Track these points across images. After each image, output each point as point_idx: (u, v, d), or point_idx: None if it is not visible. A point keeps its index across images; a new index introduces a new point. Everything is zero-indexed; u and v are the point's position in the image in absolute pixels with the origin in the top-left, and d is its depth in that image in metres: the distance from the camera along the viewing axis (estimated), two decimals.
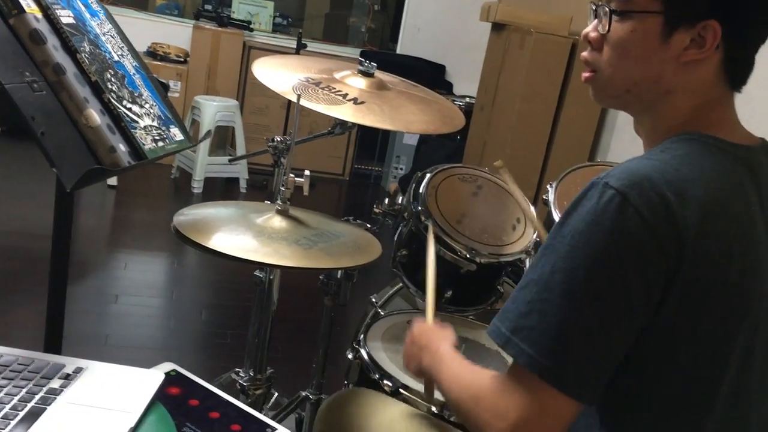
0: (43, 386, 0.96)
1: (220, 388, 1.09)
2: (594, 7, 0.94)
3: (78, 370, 1.02)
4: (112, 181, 4.22)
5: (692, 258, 0.79)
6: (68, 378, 0.99)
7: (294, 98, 1.42)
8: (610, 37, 0.91)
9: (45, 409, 0.92)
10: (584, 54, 0.96)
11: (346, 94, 1.56)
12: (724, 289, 0.82)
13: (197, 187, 4.47)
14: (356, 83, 1.63)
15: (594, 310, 0.79)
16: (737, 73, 0.90)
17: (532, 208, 1.71)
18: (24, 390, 0.95)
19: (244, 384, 1.72)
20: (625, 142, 3.49)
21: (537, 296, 0.81)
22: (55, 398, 0.94)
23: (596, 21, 0.94)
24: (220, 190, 4.68)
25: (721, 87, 0.90)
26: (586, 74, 0.96)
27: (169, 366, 1.12)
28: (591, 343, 0.79)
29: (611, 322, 0.79)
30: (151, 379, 1.04)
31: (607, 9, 0.90)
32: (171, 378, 1.09)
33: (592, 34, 0.94)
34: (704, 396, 0.84)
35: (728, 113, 0.92)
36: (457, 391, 0.93)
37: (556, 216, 1.71)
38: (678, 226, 0.78)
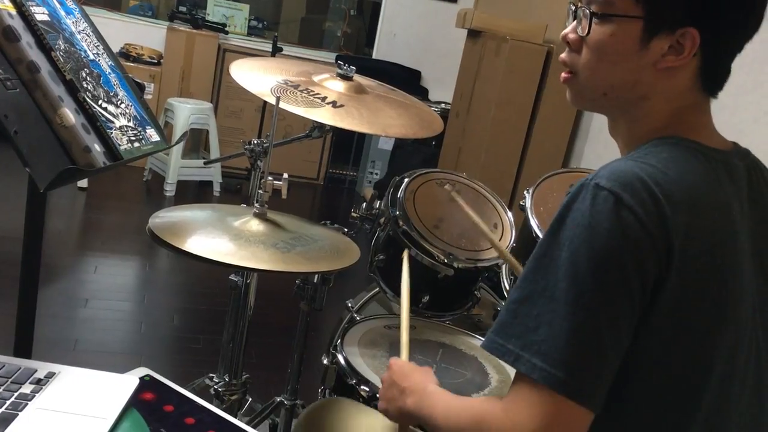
0: (14, 391, 0.94)
1: (193, 394, 1.07)
2: (573, 8, 0.94)
3: (50, 375, 0.99)
4: (83, 183, 4.16)
5: (680, 260, 0.79)
6: (40, 383, 0.97)
7: (272, 100, 1.41)
8: (589, 40, 0.91)
9: (16, 415, 0.89)
10: (562, 55, 0.96)
11: (325, 97, 1.55)
12: (708, 292, 0.82)
13: (170, 190, 4.42)
14: (335, 86, 1.62)
15: (603, 315, 0.78)
16: (714, 79, 0.91)
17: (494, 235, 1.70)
18: None
19: (219, 389, 1.70)
20: (598, 149, 3.53)
21: (544, 308, 0.79)
22: (27, 404, 0.92)
23: (575, 22, 0.93)
24: (193, 193, 4.63)
25: (697, 93, 0.91)
26: (564, 75, 0.96)
27: (143, 371, 1.10)
28: (603, 348, 0.78)
29: (619, 324, 0.79)
30: (126, 384, 1.02)
31: (587, 11, 0.90)
32: (145, 383, 1.07)
33: (571, 36, 0.94)
34: (689, 401, 0.84)
35: (705, 118, 0.93)
36: (456, 419, 0.89)
37: (533, 221, 1.72)
38: (668, 227, 0.79)
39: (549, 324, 0.79)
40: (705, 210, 0.83)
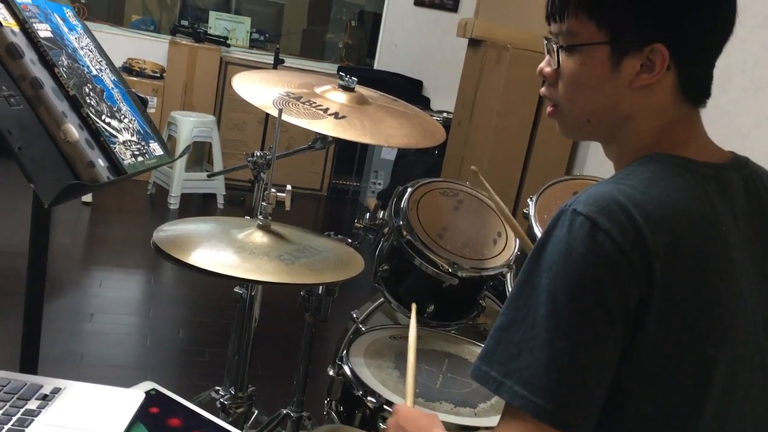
0: (21, 407, 0.94)
1: (199, 407, 1.07)
2: (545, 42, 0.94)
3: (56, 391, 0.99)
4: (87, 197, 4.17)
5: (664, 280, 0.78)
6: (46, 399, 0.97)
7: (274, 113, 1.41)
8: (562, 72, 0.91)
9: (23, 431, 0.89)
10: (542, 90, 0.97)
11: (327, 109, 1.55)
12: (701, 309, 0.81)
13: (174, 203, 4.43)
14: (337, 98, 1.63)
15: (583, 340, 0.77)
16: (695, 89, 0.90)
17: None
18: (0, 411, 0.92)
19: (225, 402, 1.70)
20: (601, 156, 3.50)
21: (525, 335, 0.79)
22: (33, 420, 0.92)
23: (548, 56, 0.94)
24: (197, 206, 4.64)
25: (681, 105, 0.90)
26: (549, 109, 0.97)
27: (149, 385, 1.09)
28: (584, 374, 0.78)
29: (600, 349, 0.78)
30: (132, 398, 1.02)
31: (554, 45, 0.91)
32: (151, 397, 1.07)
33: (546, 70, 0.94)
34: (689, 419, 0.83)
35: (695, 130, 0.92)
36: None
37: (537, 230, 1.72)
38: (648, 248, 0.78)
39: (530, 351, 0.78)
40: (690, 227, 0.81)
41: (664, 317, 0.79)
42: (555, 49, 0.91)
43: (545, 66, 0.94)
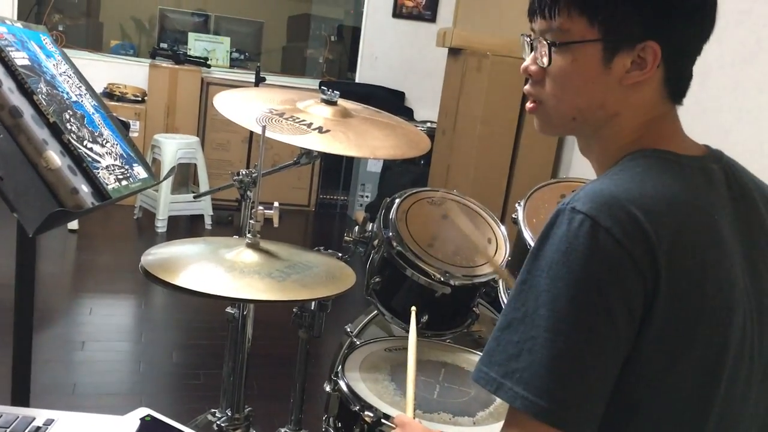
0: None
1: (196, 431, 1.06)
2: (528, 40, 0.94)
3: (49, 422, 0.97)
4: (73, 225, 4.14)
5: (668, 274, 0.78)
6: (39, 431, 0.95)
7: (258, 130, 1.40)
8: (551, 70, 0.91)
9: None
10: (526, 87, 0.96)
11: (311, 123, 1.55)
12: (704, 303, 0.81)
13: (161, 226, 4.40)
14: (320, 112, 1.62)
15: (583, 340, 0.77)
16: (678, 87, 0.91)
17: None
18: None
19: (222, 425, 1.68)
20: (585, 158, 3.54)
21: (524, 335, 0.78)
22: None
23: (533, 54, 0.93)
24: (185, 228, 4.62)
25: (664, 103, 0.91)
26: (530, 105, 0.96)
27: (144, 411, 1.08)
28: (584, 375, 0.77)
29: (601, 349, 0.77)
30: (126, 426, 1.01)
31: (545, 42, 0.90)
32: (146, 424, 1.05)
33: (532, 68, 0.94)
34: (697, 417, 0.83)
35: (674, 126, 0.93)
36: None
37: (527, 234, 1.72)
38: (651, 243, 0.78)
39: (530, 351, 0.78)
40: (688, 219, 0.82)
41: (670, 311, 0.78)
42: (546, 45, 0.89)
43: (530, 64, 0.94)
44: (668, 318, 0.79)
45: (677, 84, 0.90)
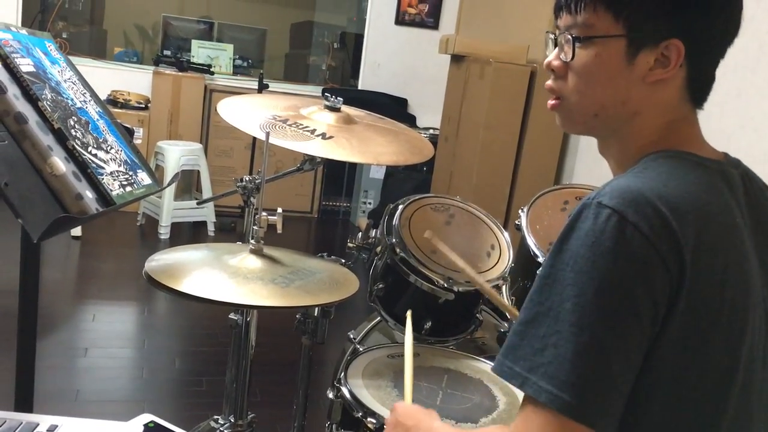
0: None
1: None
2: (553, 36, 0.94)
3: (53, 428, 0.97)
4: (77, 231, 4.14)
5: (693, 272, 0.78)
6: None
7: (261, 136, 1.41)
8: (574, 65, 0.91)
9: None
10: (549, 83, 0.96)
11: (314, 130, 1.55)
12: (723, 303, 0.81)
13: (164, 233, 4.41)
14: (323, 118, 1.63)
15: (608, 334, 0.77)
16: (700, 89, 0.91)
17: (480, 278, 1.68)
18: None
19: (225, 431, 1.68)
20: (588, 164, 3.54)
21: (549, 329, 0.78)
22: None
23: (557, 49, 0.94)
24: (188, 234, 4.62)
25: (685, 104, 0.91)
26: (552, 102, 0.96)
27: (147, 417, 1.08)
28: (609, 370, 0.77)
29: (625, 344, 0.77)
30: None
31: (569, 37, 0.90)
32: (149, 430, 1.05)
33: (555, 63, 0.94)
34: (712, 415, 0.83)
35: (695, 130, 0.93)
36: None
37: (530, 240, 1.72)
38: (678, 240, 0.78)
39: (555, 345, 0.78)
40: (711, 220, 0.82)
41: (692, 309, 0.79)
42: (570, 40, 0.90)
43: (554, 60, 0.94)
44: (689, 316, 0.79)
45: (699, 85, 0.90)
